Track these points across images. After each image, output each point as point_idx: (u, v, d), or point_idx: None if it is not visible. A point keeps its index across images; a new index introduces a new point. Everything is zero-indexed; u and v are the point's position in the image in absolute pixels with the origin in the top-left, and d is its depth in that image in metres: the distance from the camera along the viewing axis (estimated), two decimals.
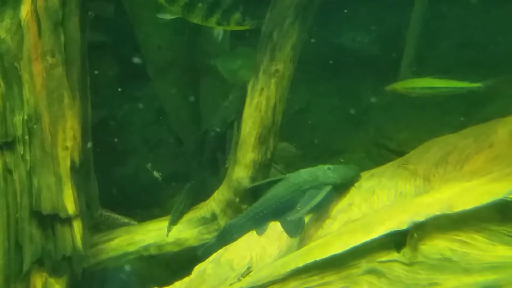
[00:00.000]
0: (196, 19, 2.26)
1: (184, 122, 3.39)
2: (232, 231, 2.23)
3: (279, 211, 2.13)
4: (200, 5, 2.20)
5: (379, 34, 3.55)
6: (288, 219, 2.09)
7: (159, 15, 2.27)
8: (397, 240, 1.95)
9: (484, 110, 3.03)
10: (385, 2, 3.45)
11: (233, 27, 2.31)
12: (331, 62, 3.56)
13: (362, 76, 3.54)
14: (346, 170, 2.25)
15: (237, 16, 2.26)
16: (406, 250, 1.92)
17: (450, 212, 1.88)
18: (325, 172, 2.19)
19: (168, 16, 2.25)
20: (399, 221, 1.94)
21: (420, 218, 1.90)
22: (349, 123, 3.60)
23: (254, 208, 2.17)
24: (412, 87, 2.97)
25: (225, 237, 2.26)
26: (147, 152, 3.54)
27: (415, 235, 1.91)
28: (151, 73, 3.33)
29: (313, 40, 3.03)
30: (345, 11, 3.45)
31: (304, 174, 2.19)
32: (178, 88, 3.31)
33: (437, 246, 1.89)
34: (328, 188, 2.16)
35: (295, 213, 2.10)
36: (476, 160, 2.10)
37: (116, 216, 2.79)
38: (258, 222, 2.15)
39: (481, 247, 1.86)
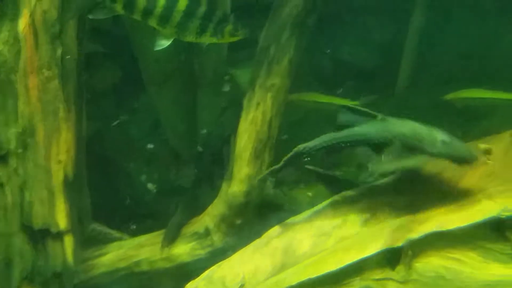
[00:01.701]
0: (190, 38, 2.33)
1: (180, 135, 3.45)
2: (304, 155, 2.21)
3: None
4: (192, 22, 2.27)
5: (376, 47, 3.65)
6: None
7: (156, 47, 2.32)
8: (391, 258, 2.00)
9: (480, 125, 3.11)
10: (382, 14, 3.55)
11: (227, 39, 2.37)
12: (328, 74, 3.65)
13: (359, 88, 3.63)
14: (460, 147, 2.06)
15: (229, 27, 2.33)
16: (400, 268, 1.98)
17: (444, 229, 1.94)
18: (435, 139, 2.05)
19: (164, 44, 2.31)
20: (393, 238, 2.00)
21: (415, 235, 1.96)
22: None
23: (335, 136, 2.17)
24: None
25: (294, 161, 2.24)
26: (142, 164, 3.59)
27: (410, 252, 1.96)
28: (148, 85, 3.41)
29: (312, 53, 3.12)
30: (343, 24, 3.55)
31: (408, 127, 2.08)
32: (175, 100, 3.37)
33: (431, 264, 1.95)
34: (421, 158, 2.04)
35: (376, 164, 2.10)
36: (471, 176, 2.17)
37: (108, 230, 2.82)
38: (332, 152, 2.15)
39: (475, 265, 1.92)
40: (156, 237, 2.76)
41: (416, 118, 2.16)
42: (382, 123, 2.17)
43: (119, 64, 3.50)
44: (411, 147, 2.09)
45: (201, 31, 2.29)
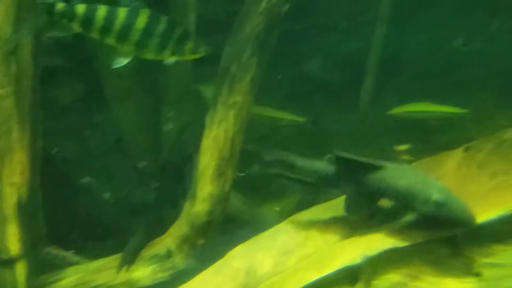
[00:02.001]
0: (149, 55, 2.32)
1: (144, 152, 3.41)
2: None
3: None
4: (151, 40, 2.26)
5: (340, 62, 3.75)
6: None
7: (114, 65, 2.30)
8: (350, 276, 2.03)
9: (438, 139, 3.23)
10: (346, 31, 3.66)
11: (188, 56, 2.38)
12: (294, 90, 3.71)
13: (324, 103, 3.70)
14: (455, 209, 1.95)
15: (190, 45, 2.34)
16: (359, 286, 2.00)
17: (401, 245, 1.99)
18: (429, 198, 1.94)
19: (123, 61, 2.29)
20: (352, 256, 2.03)
21: (372, 252, 2.00)
22: (311, 151, 3.73)
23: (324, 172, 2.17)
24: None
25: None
26: (104, 181, 3.53)
27: (368, 270, 1.99)
28: (110, 101, 3.36)
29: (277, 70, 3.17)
30: (308, 40, 3.63)
31: (404, 182, 1.98)
32: (137, 116, 3.34)
33: (389, 280, 1.99)
34: (410, 217, 1.96)
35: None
36: None
37: (64, 254, 2.73)
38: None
39: (432, 281, 1.97)
40: (115, 260, 2.70)
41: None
42: (381, 172, 2.08)
43: (82, 78, 3.44)
44: (403, 204, 2.04)
45: (161, 48, 2.28)
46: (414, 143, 3.29)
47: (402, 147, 2.41)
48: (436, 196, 1.96)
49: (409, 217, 1.99)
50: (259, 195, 3.17)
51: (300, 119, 3.12)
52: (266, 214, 3.08)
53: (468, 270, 1.99)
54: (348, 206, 2.22)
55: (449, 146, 2.60)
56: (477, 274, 1.94)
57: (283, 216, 2.58)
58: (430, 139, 3.23)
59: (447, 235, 1.99)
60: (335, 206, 2.41)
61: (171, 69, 3.22)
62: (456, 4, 3.43)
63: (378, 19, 3.53)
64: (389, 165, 2.11)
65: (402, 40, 3.58)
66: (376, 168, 2.09)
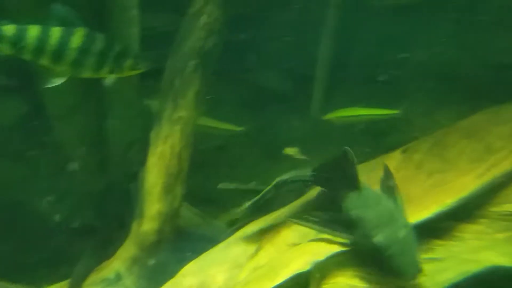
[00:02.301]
0: (87, 74, 2.27)
1: (91, 170, 3.32)
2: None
3: None
4: (88, 59, 2.22)
5: (292, 71, 3.84)
6: None
7: (48, 85, 2.23)
8: (302, 282, 2.07)
9: (385, 141, 3.37)
10: (296, 39, 3.75)
11: (128, 73, 2.35)
12: (247, 99, 3.76)
13: (278, 112, 3.78)
14: (401, 257, 1.88)
15: (130, 61, 2.32)
16: None
17: (348, 248, 2.06)
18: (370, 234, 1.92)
19: (57, 81, 2.23)
20: (302, 263, 2.08)
21: (321, 257, 2.06)
22: (267, 159, 3.80)
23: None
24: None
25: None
26: (53, 202, 3.40)
27: (317, 275, 2.05)
28: (52, 119, 3.25)
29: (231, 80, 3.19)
30: (260, 50, 3.70)
31: (371, 212, 1.94)
32: (81, 134, 3.26)
33: (338, 284, 2.06)
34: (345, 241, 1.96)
35: None
36: None
37: (8, 285, 2.61)
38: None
39: (379, 280, 2.05)
40: (62, 287, 2.61)
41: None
42: (357, 195, 2.08)
43: (26, 96, 3.32)
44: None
45: (99, 67, 2.25)
46: (364, 146, 3.42)
47: (290, 150, 2.50)
48: (378, 238, 1.94)
49: (344, 240, 2.02)
50: (214, 207, 3.17)
51: (237, 129, 3.16)
52: (223, 227, 3.09)
53: None
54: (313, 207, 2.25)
55: (396, 147, 2.73)
56: (419, 270, 2.04)
57: (234, 228, 2.59)
58: (378, 141, 3.38)
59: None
60: (283, 214, 2.46)
61: (116, 84, 3.17)
62: (396, 14, 3.60)
63: (325, 27, 3.64)
64: (366, 191, 2.10)
65: (349, 47, 3.72)
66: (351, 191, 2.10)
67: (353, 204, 2.07)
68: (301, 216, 2.15)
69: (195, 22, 2.54)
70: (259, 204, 2.44)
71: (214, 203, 3.20)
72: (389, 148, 2.78)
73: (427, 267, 2.01)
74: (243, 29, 3.41)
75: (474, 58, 3.45)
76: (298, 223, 2.15)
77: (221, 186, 2.41)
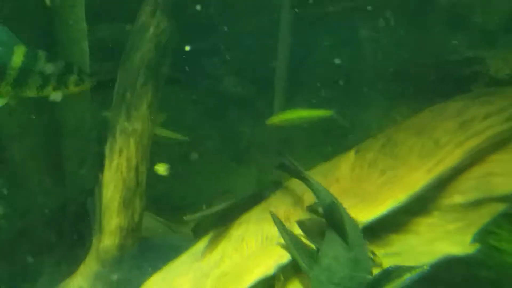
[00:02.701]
0: (31, 93, 2.23)
1: (48, 189, 3.24)
2: None
3: None
4: (30, 78, 2.18)
5: (253, 77, 3.89)
6: None
7: None
8: (267, 285, 2.11)
9: (346, 140, 3.48)
10: (255, 46, 3.81)
11: (72, 89, 2.33)
12: (209, 106, 3.79)
13: (241, 117, 3.82)
14: None
15: (74, 78, 2.29)
16: None
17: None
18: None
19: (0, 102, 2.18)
20: (266, 267, 2.12)
21: (284, 260, 2.10)
22: (232, 163, 3.83)
23: None
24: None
25: None
26: (11, 221, 3.29)
27: (282, 278, 2.09)
28: (3, 140, 3.15)
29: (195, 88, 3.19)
30: (222, 57, 3.73)
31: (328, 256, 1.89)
32: (34, 153, 3.17)
33: (302, 283, 2.10)
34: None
35: None
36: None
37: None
38: None
39: None
40: None
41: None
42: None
43: None
44: None
45: (43, 85, 2.21)
46: (326, 146, 3.52)
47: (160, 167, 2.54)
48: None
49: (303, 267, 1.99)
50: (184, 215, 3.17)
51: (183, 138, 3.18)
52: (188, 234, 3.08)
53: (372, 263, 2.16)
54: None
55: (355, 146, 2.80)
56: (379, 265, 2.12)
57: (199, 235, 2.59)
58: (340, 141, 3.48)
59: None
60: (246, 219, 2.49)
61: (68, 99, 3.11)
62: (349, 19, 3.73)
63: (280, 32, 3.72)
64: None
65: (306, 52, 3.81)
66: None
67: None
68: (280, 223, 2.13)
69: (143, 34, 2.54)
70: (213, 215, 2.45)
71: (183, 210, 3.19)
72: (349, 148, 2.88)
73: (386, 261, 2.09)
74: (203, 37, 3.43)
75: (425, 57, 3.61)
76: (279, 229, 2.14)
77: (187, 218, 2.41)
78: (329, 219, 2.11)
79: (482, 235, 2.28)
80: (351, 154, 2.58)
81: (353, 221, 2.12)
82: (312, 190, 2.28)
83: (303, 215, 2.33)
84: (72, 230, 2.84)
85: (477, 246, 2.19)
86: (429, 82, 3.53)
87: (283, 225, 2.14)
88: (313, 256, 2.01)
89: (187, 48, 2.82)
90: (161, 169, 2.32)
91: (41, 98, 3.16)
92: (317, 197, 2.28)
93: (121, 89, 2.58)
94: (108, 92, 3.07)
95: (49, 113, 3.18)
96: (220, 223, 2.51)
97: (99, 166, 2.58)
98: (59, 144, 3.21)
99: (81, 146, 3.16)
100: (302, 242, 2.10)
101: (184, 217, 2.42)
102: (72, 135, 3.18)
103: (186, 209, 3.21)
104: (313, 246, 2.08)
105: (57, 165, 3.17)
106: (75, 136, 3.18)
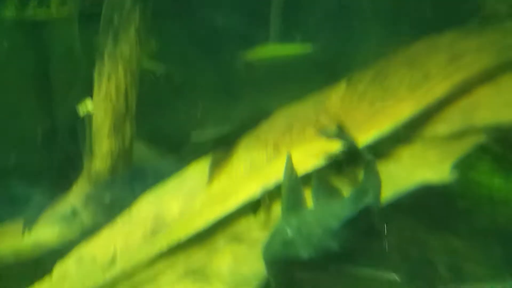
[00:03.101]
0: (10, 12, 2.13)
1: (36, 113, 3.23)
2: None
3: None
4: None
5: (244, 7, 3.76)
6: None
7: None
8: (254, 206, 2.23)
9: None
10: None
11: (56, 10, 2.22)
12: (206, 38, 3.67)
13: (235, 51, 3.72)
14: None
15: None
16: (261, 213, 2.22)
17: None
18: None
19: None
20: (253, 190, 2.22)
21: (270, 184, 2.21)
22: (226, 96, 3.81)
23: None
24: None
25: None
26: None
27: (267, 200, 2.21)
28: None
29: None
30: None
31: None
32: (24, 77, 3.13)
33: None
34: None
35: None
36: (316, 124, 2.47)
37: None
38: None
39: None
40: (18, 224, 2.64)
41: None
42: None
43: None
44: None
45: (23, 4, 2.11)
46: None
47: None
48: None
49: None
50: (171, 144, 3.21)
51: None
52: (177, 160, 3.14)
53: (355, 184, 2.28)
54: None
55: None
56: None
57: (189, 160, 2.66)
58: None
59: None
60: (237, 145, 2.57)
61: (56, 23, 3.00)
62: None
63: None
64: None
65: None
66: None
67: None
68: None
69: None
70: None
71: (176, 139, 3.23)
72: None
73: None
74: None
75: None
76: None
77: (193, 137, 2.43)
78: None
79: (463, 168, 2.37)
80: (342, 85, 2.61)
81: None
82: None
83: (292, 142, 2.41)
84: (63, 153, 2.89)
85: (455, 174, 2.28)
86: (425, 19, 3.48)
87: (292, 165, 2.13)
88: (300, 204, 2.03)
89: None
90: None
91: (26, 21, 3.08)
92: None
93: (108, 13, 2.52)
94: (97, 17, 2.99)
95: (37, 36, 3.10)
96: (212, 149, 2.59)
97: (89, 90, 2.58)
98: (48, 68, 3.17)
99: (70, 70, 3.13)
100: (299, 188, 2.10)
101: (192, 133, 2.45)
102: (61, 59, 3.14)
103: (178, 138, 3.26)
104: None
105: (46, 88, 3.15)
106: (64, 60, 3.14)
